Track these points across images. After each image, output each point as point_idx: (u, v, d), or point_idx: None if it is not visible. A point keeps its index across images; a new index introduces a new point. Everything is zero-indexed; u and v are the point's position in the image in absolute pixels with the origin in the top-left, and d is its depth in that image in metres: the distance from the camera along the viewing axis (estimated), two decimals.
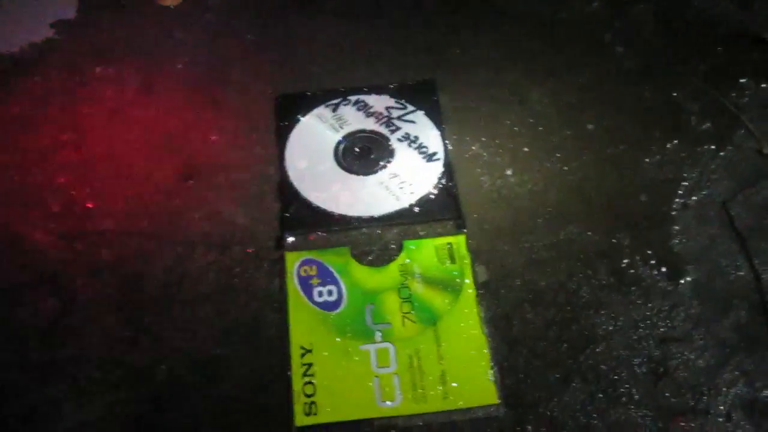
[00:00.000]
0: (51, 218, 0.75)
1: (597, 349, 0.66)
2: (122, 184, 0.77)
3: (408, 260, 0.70)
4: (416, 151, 0.77)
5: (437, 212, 0.73)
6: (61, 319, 0.69)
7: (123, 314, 0.69)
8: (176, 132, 0.81)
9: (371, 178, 0.76)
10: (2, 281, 0.71)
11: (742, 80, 0.83)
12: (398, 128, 0.79)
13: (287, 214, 0.73)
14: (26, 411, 0.65)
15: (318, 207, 0.74)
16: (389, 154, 0.77)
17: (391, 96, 0.82)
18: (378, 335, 0.66)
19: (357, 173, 0.76)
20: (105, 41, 0.89)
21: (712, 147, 0.78)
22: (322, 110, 0.81)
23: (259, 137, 0.80)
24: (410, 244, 0.71)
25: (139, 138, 0.80)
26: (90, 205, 0.76)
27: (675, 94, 0.82)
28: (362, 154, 0.77)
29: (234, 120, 0.81)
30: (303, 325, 0.67)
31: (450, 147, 0.78)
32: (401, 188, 0.74)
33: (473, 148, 0.78)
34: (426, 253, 0.71)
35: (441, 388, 0.64)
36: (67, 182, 0.78)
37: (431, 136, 0.78)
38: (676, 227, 0.73)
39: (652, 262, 0.71)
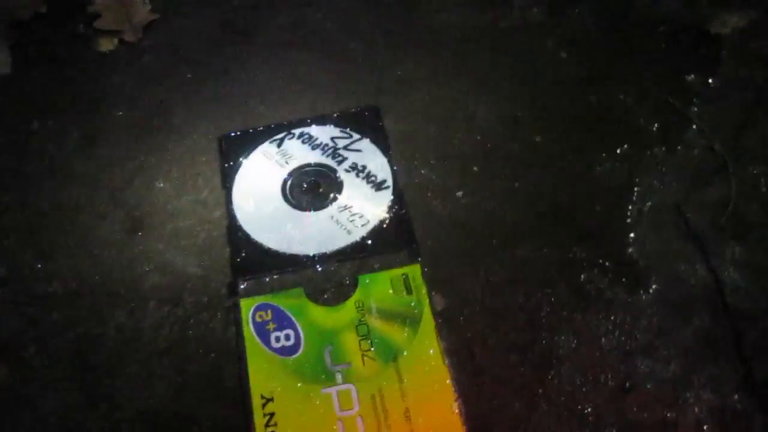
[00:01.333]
0: None
1: (561, 370, 0.65)
2: (69, 242, 0.75)
3: (363, 296, 0.69)
4: (364, 181, 0.76)
5: (390, 243, 0.72)
6: (16, 390, 0.67)
7: (78, 378, 0.68)
8: (121, 182, 0.79)
9: (321, 213, 0.74)
10: None
11: (688, 77, 0.82)
12: (345, 158, 0.78)
13: (238, 259, 0.72)
14: None
15: (269, 248, 0.72)
16: (337, 186, 0.76)
17: (336, 125, 0.80)
18: (339, 377, 0.65)
19: (306, 209, 0.75)
20: (43, 95, 0.87)
21: (663, 148, 0.77)
22: (266, 147, 0.79)
23: (206, 181, 0.79)
24: (365, 279, 0.70)
25: (83, 192, 0.79)
26: (38, 266, 0.74)
27: (621, 97, 0.81)
28: (310, 189, 0.76)
29: (179, 165, 0.80)
30: (262, 373, 0.66)
31: (399, 173, 0.77)
32: (352, 221, 0.73)
33: (422, 171, 0.77)
34: (381, 286, 0.70)
35: (406, 425, 0.63)
36: (12, 245, 0.76)
37: (379, 164, 0.77)
38: (632, 235, 0.72)
39: (611, 274, 0.70)
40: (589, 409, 0.63)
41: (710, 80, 0.82)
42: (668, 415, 0.63)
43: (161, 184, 0.79)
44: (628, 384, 0.64)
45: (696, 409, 0.63)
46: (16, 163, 0.81)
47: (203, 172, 0.79)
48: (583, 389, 0.64)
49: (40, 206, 0.78)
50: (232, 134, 0.81)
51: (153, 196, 0.78)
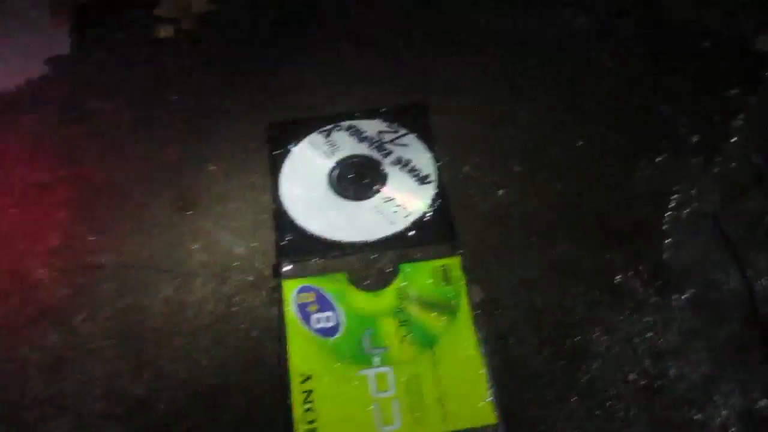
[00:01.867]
0: (51, 253, 0.76)
1: (593, 366, 0.67)
2: (121, 217, 0.78)
3: (404, 284, 0.71)
4: (409, 175, 0.78)
5: (432, 235, 0.74)
6: (63, 353, 0.70)
7: (124, 347, 0.70)
8: (172, 163, 0.82)
9: (365, 203, 0.77)
10: (4, 318, 0.72)
11: (729, 91, 0.84)
12: (390, 152, 0.80)
13: (283, 243, 0.74)
14: None
15: (313, 234, 0.75)
16: (382, 178, 0.78)
17: (383, 120, 0.83)
18: (376, 360, 0.67)
19: (351, 199, 0.77)
20: (99, 76, 0.90)
21: (702, 158, 0.79)
22: (314, 137, 0.82)
23: (254, 166, 0.81)
24: (406, 268, 0.72)
25: (136, 171, 0.81)
26: (90, 239, 0.77)
27: (663, 107, 0.83)
28: (356, 180, 0.78)
29: (229, 149, 0.82)
30: (302, 352, 0.68)
31: (442, 169, 0.79)
32: (395, 212, 0.75)
33: (465, 169, 0.79)
34: (422, 275, 0.72)
35: (440, 410, 0.65)
36: (66, 217, 0.78)
37: (423, 159, 0.79)
38: (668, 240, 0.73)
39: (645, 276, 0.71)
40: (619, 406, 0.65)
41: (751, 95, 0.83)
42: (695, 416, 0.64)
43: (212, 167, 0.81)
44: (657, 384, 0.66)
45: (723, 412, 0.64)
46: (72, 139, 0.84)
47: (252, 157, 0.81)
48: (614, 386, 0.66)
49: (95, 182, 0.81)
50: (282, 122, 0.83)
51: (203, 177, 0.80)
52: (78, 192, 0.80)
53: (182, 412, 0.67)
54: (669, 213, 0.75)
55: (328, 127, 0.82)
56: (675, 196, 0.76)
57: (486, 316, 0.70)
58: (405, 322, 0.69)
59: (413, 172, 0.78)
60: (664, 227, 0.74)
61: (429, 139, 0.81)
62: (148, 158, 0.82)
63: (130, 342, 0.71)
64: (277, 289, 0.72)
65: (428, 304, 0.70)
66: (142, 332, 0.71)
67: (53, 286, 0.74)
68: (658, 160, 0.79)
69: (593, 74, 0.86)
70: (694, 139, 0.80)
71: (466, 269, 0.72)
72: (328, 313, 0.70)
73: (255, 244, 0.75)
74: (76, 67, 0.91)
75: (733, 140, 0.80)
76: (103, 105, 0.87)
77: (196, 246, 0.76)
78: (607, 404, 0.65)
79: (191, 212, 0.78)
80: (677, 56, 0.87)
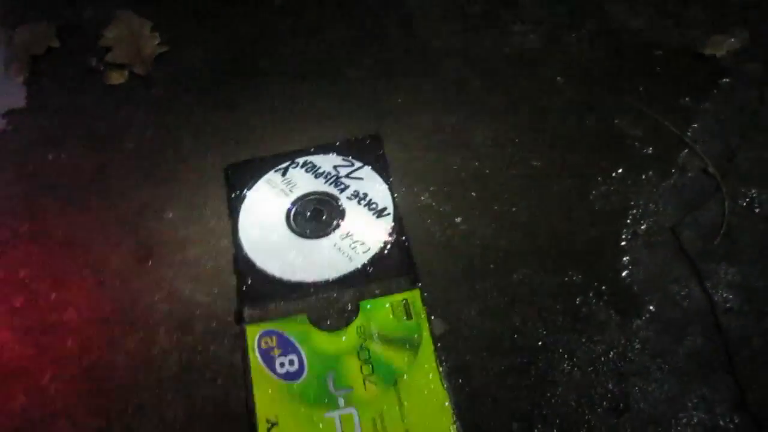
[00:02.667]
0: (14, 313, 0.76)
1: (557, 392, 0.67)
2: (82, 272, 0.78)
3: (365, 321, 0.71)
4: (366, 208, 0.78)
5: (391, 269, 0.74)
6: (32, 415, 0.70)
7: (92, 405, 0.70)
8: (131, 213, 0.82)
9: (324, 240, 0.77)
10: None
11: (683, 100, 0.84)
12: (347, 186, 0.80)
13: (244, 287, 0.74)
14: None
15: (274, 276, 0.75)
16: (340, 214, 0.78)
17: (338, 153, 0.83)
18: (341, 401, 0.67)
19: (310, 237, 0.77)
20: (55, 127, 0.90)
21: (657, 171, 0.79)
22: (271, 175, 0.82)
23: (213, 210, 0.81)
24: (366, 305, 0.72)
25: (95, 222, 0.81)
26: (52, 296, 0.77)
27: (617, 121, 0.83)
28: (314, 217, 0.78)
29: (187, 195, 0.83)
30: (267, 397, 0.68)
31: (399, 200, 0.79)
32: (353, 248, 0.75)
33: (422, 198, 0.79)
34: (382, 312, 0.72)
35: None
36: (27, 275, 0.78)
37: (380, 191, 0.79)
38: (626, 258, 0.74)
39: (605, 297, 0.71)
40: (584, 430, 0.65)
41: (705, 103, 0.83)
42: None
43: (170, 215, 0.81)
44: (621, 405, 0.66)
45: (689, 430, 0.64)
46: (31, 194, 0.84)
47: (210, 201, 0.82)
48: (578, 410, 0.66)
49: (55, 237, 0.81)
50: (238, 163, 0.83)
51: (162, 225, 0.81)
52: (39, 248, 0.80)
53: None
54: (626, 230, 0.75)
55: (284, 164, 0.82)
56: (632, 211, 0.76)
57: (448, 348, 0.70)
58: (367, 360, 0.69)
59: (370, 205, 0.78)
60: (621, 244, 0.74)
61: (384, 170, 0.81)
62: (107, 208, 0.82)
63: (97, 399, 0.71)
64: (240, 335, 0.72)
65: (390, 341, 0.70)
66: (109, 388, 0.71)
67: (18, 346, 0.74)
68: (613, 175, 0.79)
69: (546, 92, 0.86)
70: (649, 151, 0.80)
71: (427, 302, 0.72)
72: (292, 356, 0.70)
73: (216, 290, 0.76)
74: (32, 120, 0.91)
75: (687, 151, 0.80)
76: (59, 156, 0.87)
77: (157, 296, 0.76)
78: (573, 429, 0.65)
79: (151, 262, 0.78)
80: (629, 68, 0.88)
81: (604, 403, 0.66)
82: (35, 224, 0.82)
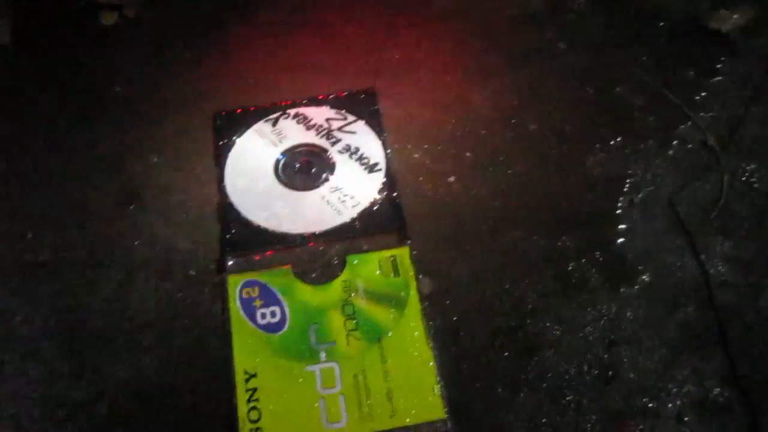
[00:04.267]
0: None
1: (544, 357, 0.65)
2: (61, 213, 0.75)
3: (351, 276, 0.69)
4: (357, 163, 0.76)
5: (380, 225, 0.72)
6: (1, 356, 0.68)
7: (65, 348, 0.68)
8: (115, 156, 0.79)
9: (312, 193, 0.74)
10: None
11: (686, 72, 0.82)
12: (339, 140, 0.78)
13: (228, 236, 0.72)
14: None
15: (259, 226, 0.72)
16: (330, 167, 0.76)
17: (331, 107, 0.80)
18: (322, 355, 0.65)
19: (298, 189, 0.75)
20: (42, 67, 0.87)
21: (657, 141, 0.77)
22: (261, 125, 0.79)
23: (199, 157, 0.79)
24: (353, 259, 0.70)
25: (77, 164, 0.79)
26: (28, 236, 0.74)
27: (618, 89, 0.81)
28: (303, 169, 0.76)
29: (174, 141, 0.80)
30: (246, 348, 0.66)
31: (391, 156, 0.77)
32: (343, 202, 0.73)
33: (415, 156, 0.77)
34: (369, 267, 0.70)
35: (387, 405, 0.63)
36: (3, 213, 0.76)
37: (372, 147, 0.77)
38: (622, 226, 0.72)
39: (598, 264, 0.70)
40: (571, 397, 0.63)
41: (708, 76, 0.82)
42: (650, 405, 0.63)
43: (155, 159, 0.79)
44: (611, 373, 0.64)
45: (678, 401, 0.63)
46: (11, 131, 0.81)
47: (197, 148, 0.79)
48: (566, 377, 0.64)
49: (33, 176, 0.78)
50: (227, 112, 0.81)
51: (147, 170, 0.78)
52: (16, 187, 0.78)
53: (124, 414, 0.65)
54: (623, 198, 0.74)
55: (275, 115, 0.80)
56: (629, 180, 0.75)
57: (436, 308, 0.68)
58: (352, 315, 0.67)
59: (362, 160, 0.76)
60: (617, 212, 0.73)
61: (378, 126, 0.79)
62: (89, 150, 0.80)
63: (70, 343, 0.69)
64: (222, 285, 0.70)
65: (376, 297, 0.68)
66: (82, 332, 0.69)
67: None
68: (612, 143, 0.77)
69: (547, 57, 0.84)
70: (650, 121, 0.79)
71: (416, 260, 0.70)
72: (274, 308, 0.68)
73: (199, 237, 0.73)
74: (18, 57, 0.88)
75: (688, 123, 0.78)
76: (44, 95, 0.84)
77: (138, 241, 0.73)
78: (559, 396, 0.64)
79: (133, 206, 0.75)
80: (633, 37, 0.86)
81: (593, 371, 0.65)
82: (14, 162, 0.79)
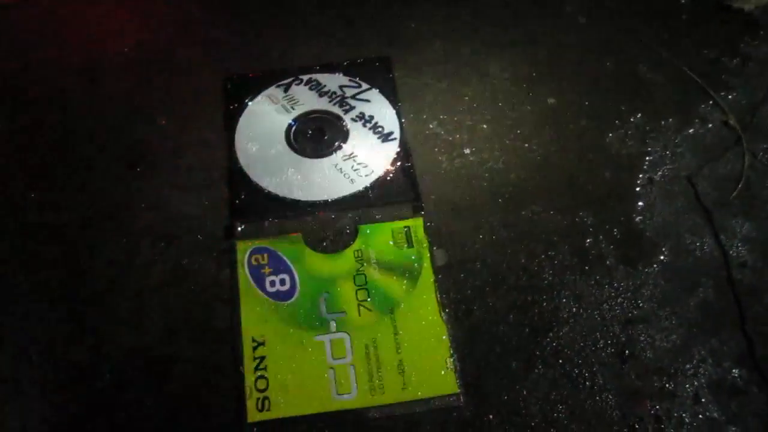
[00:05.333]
0: None
1: (560, 333, 0.64)
2: (65, 173, 0.73)
3: (363, 246, 0.68)
4: (371, 131, 0.74)
5: (394, 194, 0.71)
6: (1, 317, 0.66)
7: (66, 311, 0.66)
8: (122, 117, 0.77)
9: (325, 160, 0.73)
10: None
11: (708, 51, 0.80)
12: (352, 107, 0.76)
13: (237, 201, 0.70)
14: None
15: (269, 193, 0.71)
16: (343, 135, 0.74)
17: (345, 74, 0.79)
18: (333, 325, 0.64)
19: (310, 156, 0.73)
20: (46, 25, 0.84)
21: (677, 120, 0.75)
22: (273, 90, 0.77)
23: (208, 121, 0.77)
24: (365, 229, 0.69)
25: (83, 124, 0.76)
26: (31, 196, 0.72)
27: (639, 66, 0.79)
28: (315, 136, 0.74)
29: (182, 103, 0.78)
30: (255, 316, 0.64)
31: (406, 126, 0.75)
32: (356, 170, 0.71)
33: (430, 126, 0.76)
34: (382, 237, 0.68)
35: (399, 378, 0.61)
36: (5, 171, 0.74)
37: (387, 115, 0.75)
38: (641, 204, 0.70)
39: (616, 241, 0.68)
40: (586, 374, 0.62)
41: (730, 55, 0.80)
42: (666, 385, 0.62)
43: (163, 121, 0.77)
44: (627, 352, 0.63)
45: (695, 381, 0.62)
46: (15, 90, 0.79)
47: (206, 112, 0.77)
48: (581, 354, 0.63)
49: (37, 135, 0.76)
50: (238, 76, 0.79)
51: (154, 132, 0.76)
52: (20, 147, 0.75)
53: (127, 380, 0.63)
54: (642, 175, 0.72)
55: (287, 80, 0.78)
56: (649, 158, 0.73)
57: (449, 280, 0.66)
58: (364, 285, 0.65)
59: (376, 128, 0.74)
60: (636, 190, 0.71)
61: (393, 95, 0.77)
62: (94, 111, 0.77)
63: (72, 306, 0.67)
64: (230, 251, 0.68)
65: (389, 268, 0.66)
66: (85, 295, 0.67)
67: None
68: (632, 120, 0.76)
69: (567, 30, 0.82)
70: (670, 99, 0.77)
71: (429, 231, 0.69)
72: (283, 276, 0.66)
73: (207, 203, 0.71)
74: (23, 14, 0.85)
75: (710, 102, 0.76)
76: (49, 54, 0.82)
77: (144, 204, 0.72)
78: (574, 373, 0.62)
79: (139, 168, 0.73)
80: (655, 14, 0.84)
81: (609, 349, 0.63)
82: (16, 122, 0.77)
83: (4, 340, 0.65)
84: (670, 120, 0.75)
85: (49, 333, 0.65)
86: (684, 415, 0.60)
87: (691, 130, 0.75)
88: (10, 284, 0.68)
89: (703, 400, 0.61)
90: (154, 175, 0.73)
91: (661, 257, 0.68)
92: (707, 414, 0.60)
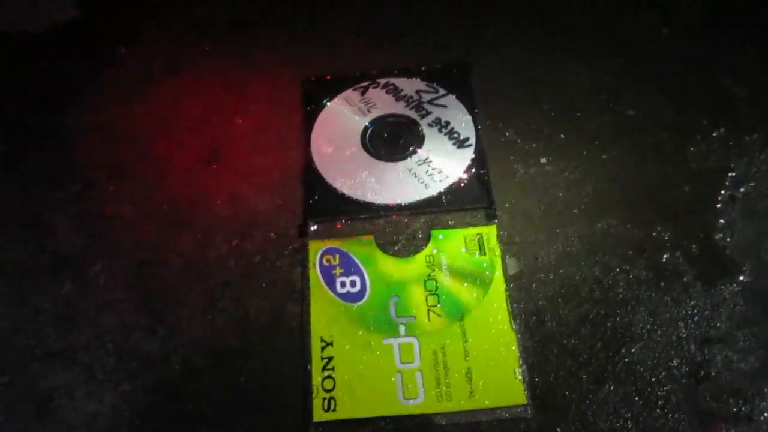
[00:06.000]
0: (71, 200, 0.73)
1: (633, 349, 0.62)
2: (144, 167, 0.75)
3: (435, 251, 0.67)
4: (447, 137, 0.74)
5: (467, 201, 0.70)
6: (77, 304, 0.67)
7: (140, 302, 0.67)
8: (201, 114, 0.78)
9: (399, 164, 0.72)
10: (19, 263, 0.70)
11: None
12: (429, 113, 0.76)
13: (311, 201, 0.70)
14: (39, 398, 0.63)
15: (343, 194, 0.71)
16: (419, 139, 0.74)
17: (422, 79, 0.78)
18: (402, 329, 0.63)
19: (384, 159, 0.73)
20: (131, 21, 0.86)
21: (762, 135, 0.73)
22: (350, 93, 0.78)
23: (285, 121, 0.77)
24: (438, 234, 0.68)
25: (162, 120, 0.78)
26: (110, 188, 0.74)
27: (722, 79, 0.77)
28: (390, 140, 0.74)
29: (260, 103, 0.79)
30: (324, 316, 0.65)
31: (482, 132, 0.74)
32: (430, 175, 0.71)
33: (507, 133, 0.75)
34: (454, 243, 0.68)
35: (466, 386, 0.61)
36: (89, 163, 0.75)
37: (463, 121, 0.75)
38: (722, 221, 0.68)
39: (694, 258, 0.66)
40: (659, 393, 0.60)
41: None
42: (743, 408, 0.60)
43: (240, 120, 0.78)
44: (702, 372, 0.61)
45: None
46: (100, 85, 0.81)
47: (283, 112, 0.78)
48: (654, 371, 0.61)
49: (119, 129, 0.78)
50: (316, 78, 0.79)
51: (232, 130, 0.77)
52: (100, 139, 0.77)
53: (196, 372, 0.64)
54: (723, 192, 0.70)
55: (365, 83, 0.78)
56: (731, 174, 0.71)
57: (521, 290, 0.66)
58: (434, 291, 0.65)
59: (452, 134, 0.74)
60: (717, 206, 0.69)
61: (470, 101, 0.76)
62: (175, 108, 0.79)
63: (145, 297, 0.68)
64: (302, 250, 0.68)
65: (460, 274, 0.66)
66: (158, 287, 0.68)
67: (70, 234, 0.71)
68: (714, 134, 0.73)
69: (649, 40, 0.81)
70: (754, 114, 0.75)
71: (502, 239, 0.68)
72: (354, 278, 0.66)
73: (281, 201, 0.72)
74: (107, 11, 0.88)
75: None
76: (134, 51, 0.84)
77: (219, 200, 0.72)
78: (647, 391, 0.61)
79: (216, 166, 0.74)
80: (740, 26, 0.81)
81: (684, 368, 0.62)
82: (101, 115, 0.79)
83: (80, 328, 0.66)
84: (755, 136, 0.73)
85: (123, 322, 0.66)
86: None
87: None
88: (88, 273, 0.69)
89: None
90: (229, 171, 0.74)
91: (742, 277, 0.65)
92: None
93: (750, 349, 0.62)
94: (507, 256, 0.67)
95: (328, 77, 0.79)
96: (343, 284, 0.66)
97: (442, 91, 0.77)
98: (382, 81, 0.78)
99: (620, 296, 0.65)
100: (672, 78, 0.78)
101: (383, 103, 0.77)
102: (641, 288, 0.65)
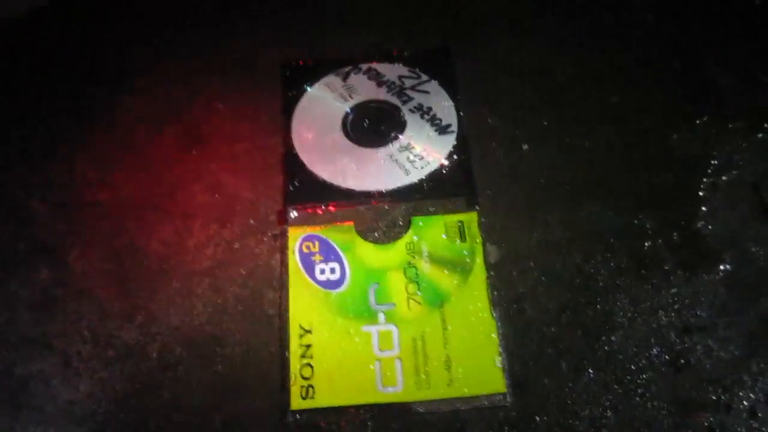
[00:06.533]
0: (49, 186, 0.72)
1: (613, 337, 0.62)
2: (123, 153, 0.74)
3: (416, 238, 0.67)
4: (429, 123, 0.73)
5: (449, 188, 0.70)
6: (54, 291, 0.67)
7: (118, 288, 0.67)
8: (181, 100, 0.77)
9: (380, 150, 0.72)
10: None
11: None
12: (411, 98, 0.75)
13: (291, 188, 0.70)
14: (14, 386, 0.62)
15: (324, 180, 0.70)
16: (400, 125, 0.73)
17: (405, 64, 0.78)
18: (381, 317, 0.63)
19: (365, 145, 0.72)
20: (109, 9, 0.85)
21: (746, 124, 0.73)
22: (331, 79, 0.77)
23: (266, 107, 0.76)
24: (418, 221, 0.68)
25: (142, 106, 0.77)
26: (89, 174, 0.73)
27: (707, 67, 0.77)
28: (372, 126, 0.73)
29: (240, 88, 0.78)
30: (303, 303, 0.64)
31: (464, 119, 0.74)
32: (411, 162, 0.70)
33: (489, 120, 0.74)
34: (435, 230, 0.67)
35: (446, 374, 0.60)
36: (67, 150, 0.75)
37: (445, 108, 0.74)
38: (703, 209, 0.68)
39: (676, 245, 0.66)
40: (639, 381, 0.60)
41: None
42: (722, 397, 0.60)
43: (220, 106, 0.77)
44: (682, 360, 0.61)
45: (752, 395, 0.60)
46: (76, 71, 0.80)
47: (264, 97, 0.77)
48: (635, 360, 0.61)
49: (98, 115, 0.77)
50: (297, 63, 0.78)
51: (211, 116, 0.76)
52: (79, 125, 0.76)
53: (173, 359, 0.63)
54: (706, 179, 0.70)
55: (346, 69, 0.78)
56: (714, 161, 0.71)
57: (501, 277, 0.65)
58: (414, 278, 0.65)
59: (434, 120, 0.73)
60: (699, 194, 0.69)
61: (452, 87, 0.76)
62: (154, 93, 0.78)
63: (123, 283, 0.67)
64: (281, 237, 0.68)
65: (440, 261, 0.65)
66: (136, 274, 0.67)
67: (49, 220, 0.71)
68: (697, 122, 0.73)
69: (634, 27, 0.80)
70: (738, 102, 0.74)
71: (483, 226, 0.67)
72: (333, 264, 0.66)
73: (261, 187, 0.71)
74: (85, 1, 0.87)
75: None
76: (109, 36, 0.83)
77: (198, 187, 0.72)
78: (627, 379, 0.60)
79: (195, 151, 0.73)
80: (726, 13, 0.81)
81: (664, 356, 0.61)
82: (78, 101, 0.78)
83: (57, 315, 0.65)
84: (738, 123, 0.73)
85: (100, 310, 0.66)
86: (739, 429, 0.58)
87: (759, 135, 0.72)
88: (65, 259, 0.68)
89: (759, 414, 0.59)
90: (209, 158, 0.73)
91: (723, 265, 0.65)
92: (763, 429, 0.58)
93: (730, 338, 0.62)
94: (488, 244, 0.67)
95: (309, 62, 0.78)
96: (322, 271, 0.65)
97: (424, 77, 0.77)
98: (364, 66, 0.78)
99: (601, 284, 0.65)
100: (655, 65, 0.77)
101: (365, 89, 0.76)
102: (622, 276, 0.65)
